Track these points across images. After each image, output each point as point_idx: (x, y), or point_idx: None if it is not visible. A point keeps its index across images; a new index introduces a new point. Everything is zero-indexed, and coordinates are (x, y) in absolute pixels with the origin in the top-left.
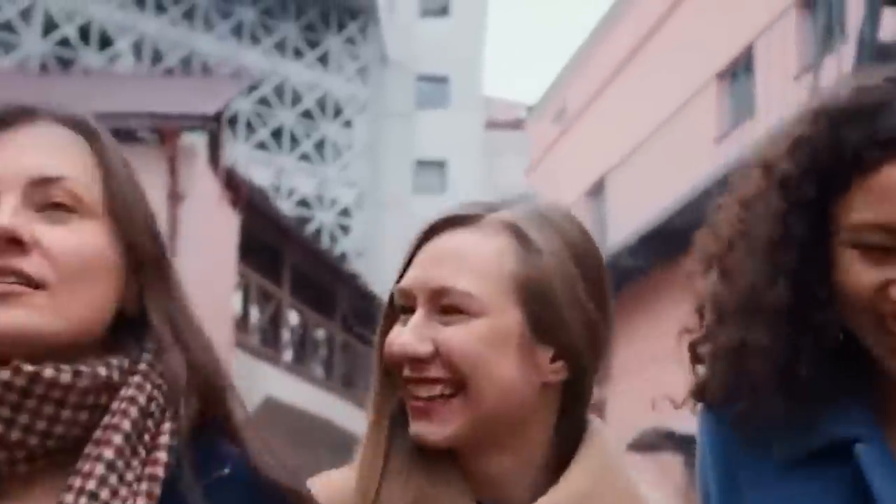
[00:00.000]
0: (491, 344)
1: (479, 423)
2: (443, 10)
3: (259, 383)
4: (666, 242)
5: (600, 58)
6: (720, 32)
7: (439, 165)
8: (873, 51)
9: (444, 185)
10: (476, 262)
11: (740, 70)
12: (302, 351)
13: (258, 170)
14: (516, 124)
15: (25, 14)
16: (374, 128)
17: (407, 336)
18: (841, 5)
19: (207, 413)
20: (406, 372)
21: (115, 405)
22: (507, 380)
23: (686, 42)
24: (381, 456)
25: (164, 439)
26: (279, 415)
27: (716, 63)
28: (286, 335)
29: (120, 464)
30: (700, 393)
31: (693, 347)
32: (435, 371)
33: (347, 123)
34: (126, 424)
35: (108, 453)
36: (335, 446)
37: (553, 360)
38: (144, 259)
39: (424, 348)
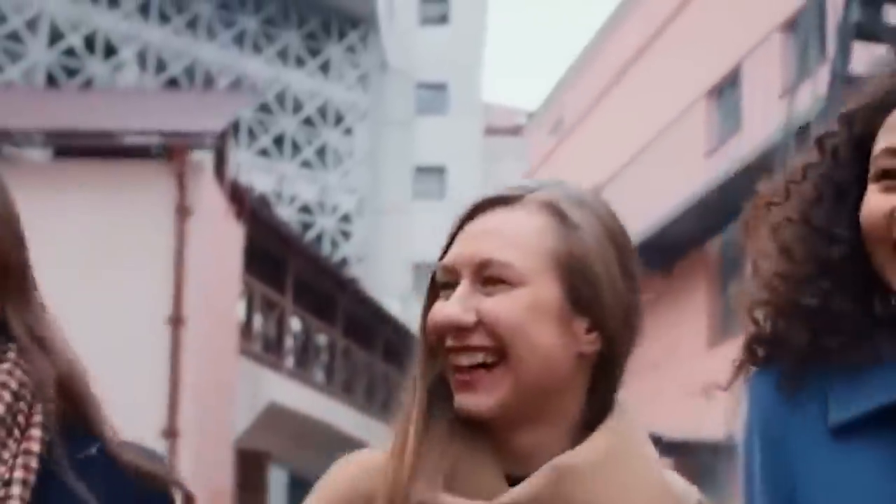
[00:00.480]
0: (531, 312)
1: (521, 391)
2: (442, 19)
3: (263, 389)
4: (660, 252)
5: (595, 72)
6: (710, 52)
7: (438, 171)
8: (844, 83)
9: (444, 190)
10: (517, 238)
11: (728, 88)
12: (304, 357)
13: (260, 176)
14: (515, 130)
15: (31, 24)
16: (374, 135)
17: (451, 307)
18: (820, 30)
19: (68, 412)
20: (449, 342)
21: None
22: (547, 347)
23: (677, 60)
24: (419, 430)
25: (38, 419)
26: (282, 419)
27: (705, 81)
28: (289, 342)
29: None
30: (752, 353)
31: (750, 308)
32: (478, 339)
33: (348, 130)
34: (0, 407)
35: None
36: (336, 449)
37: (588, 330)
38: (9, 274)
39: (468, 317)
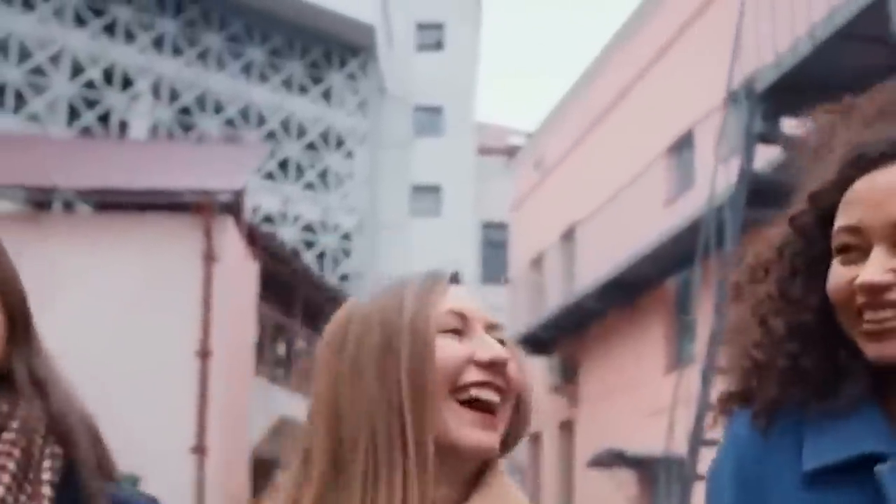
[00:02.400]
0: None
1: None
2: (437, 45)
3: (274, 404)
4: (625, 289)
5: (573, 119)
6: (669, 114)
7: (434, 190)
8: (749, 178)
9: (439, 208)
10: None
11: (684, 148)
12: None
13: (266, 198)
14: (507, 150)
15: (54, 59)
16: (373, 156)
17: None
18: (752, 109)
19: (67, 455)
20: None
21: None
22: None
23: (644, 117)
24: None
25: (46, 476)
26: (292, 430)
27: (666, 139)
28: (299, 362)
29: (10, 499)
30: (725, 409)
31: (728, 370)
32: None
33: (349, 154)
34: (11, 465)
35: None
36: None
37: None
38: (17, 325)
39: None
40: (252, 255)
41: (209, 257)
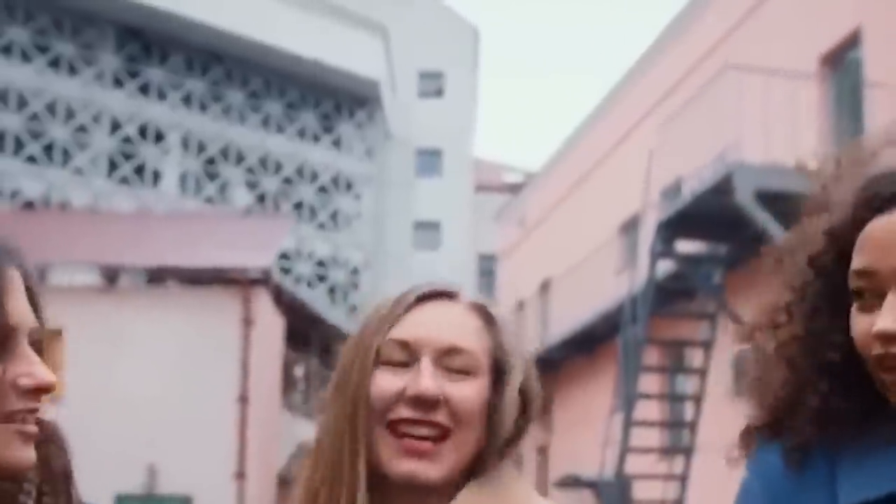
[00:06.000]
0: (481, 402)
1: (457, 467)
2: (438, 92)
3: (297, 432)
4: (586, 341)
5: (552, 184)
6: (624, 197)
7: (434, 226)
8: (654, 285)
9: (439, 242)
10: (471, 332)
11: (631, 229)
12: None
13: (285, 238)
14: (503, 188)
15: (96, 118)
16: (379, 197)
17: (428, 381)
18: (655, 234)
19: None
20: (406, 412)
21: None
22: (479, 433)
23: (608, 193)
24: (362, 494)
25: None
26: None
27: (619, 219)
28: (315, 393)
29: None
30: (751, 439)
31: (754, 404)
32: (441, 416)
33: (357, 196)
34: None
35: None
36: None
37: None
38: None
39: (439, 395)
40: (279, 312)
41: (247, 321)
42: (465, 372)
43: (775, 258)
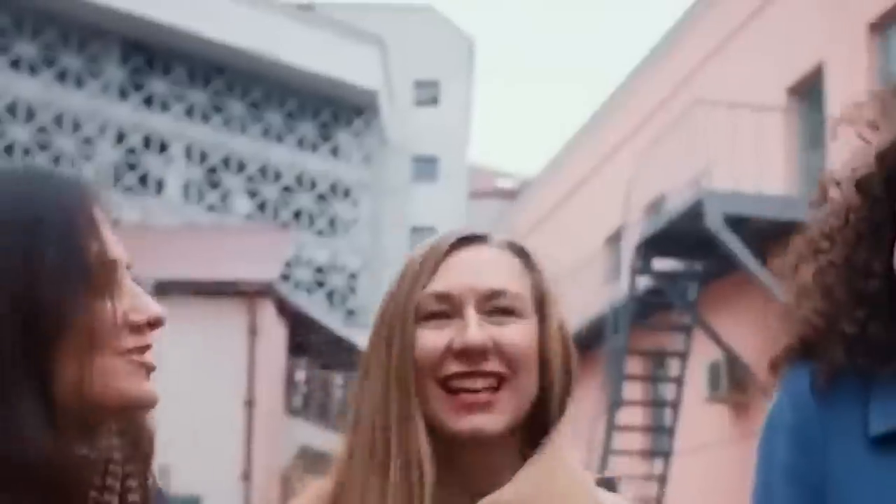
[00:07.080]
0: (533, 344)
1: (518, 415)
2: (434, 100)
3: (298, 434)
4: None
5: (542, 197)
6: (608, 211)
7: (430, 231)
8: (634, 300)
9: None
10: (512, 273)
11: (615, 243)
12: (325, 407)
13: None
14: (496, 193)
15: (102, 129)
16: (376, 203)
17: (474, 331)
18: (634, 252)
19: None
20: (454, 367)
21: None
22: (535, 377)
23: (595, 208)
24: (426, 452)
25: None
26: (311, 458)
27: (605, 232)
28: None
29: None
30: (788, 352)
31: (790, 327)
32: (492, 365)
33: (354, 202)
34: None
35: None
36: None
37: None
38: None
39: (489, 343)
40: (282, 321)
41: (252, 331)
42: (511, 313)
43: (821, 189)
